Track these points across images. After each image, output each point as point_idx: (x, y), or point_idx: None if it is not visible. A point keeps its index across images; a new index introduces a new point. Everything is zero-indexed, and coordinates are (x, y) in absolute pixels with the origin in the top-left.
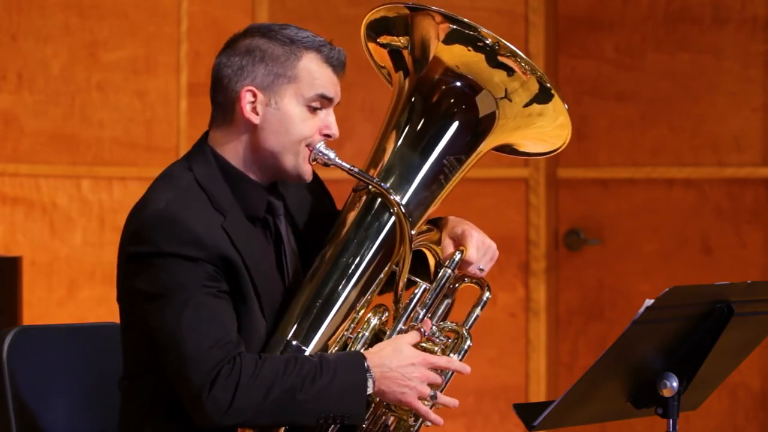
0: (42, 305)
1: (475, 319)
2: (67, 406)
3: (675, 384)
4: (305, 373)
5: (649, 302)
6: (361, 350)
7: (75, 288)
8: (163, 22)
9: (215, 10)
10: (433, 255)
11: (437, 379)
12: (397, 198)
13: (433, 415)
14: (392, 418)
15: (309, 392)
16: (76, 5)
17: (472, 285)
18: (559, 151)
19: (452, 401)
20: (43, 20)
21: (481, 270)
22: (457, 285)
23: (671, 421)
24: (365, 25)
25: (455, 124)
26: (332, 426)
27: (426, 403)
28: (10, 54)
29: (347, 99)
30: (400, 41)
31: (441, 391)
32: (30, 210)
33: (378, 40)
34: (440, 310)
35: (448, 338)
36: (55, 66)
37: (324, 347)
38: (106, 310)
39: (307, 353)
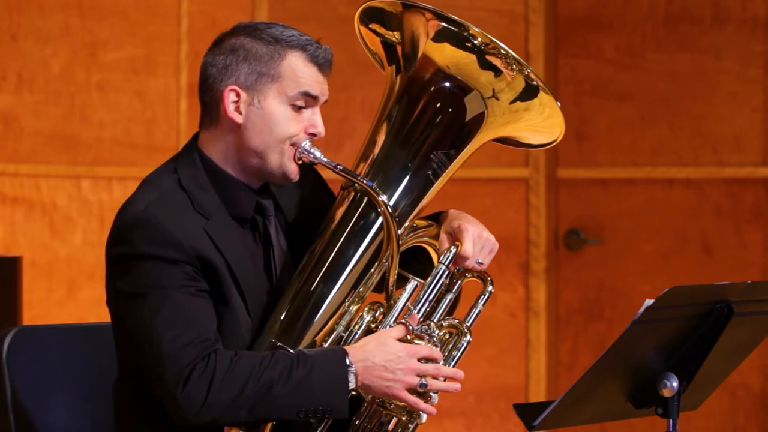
0: (42, 305)
1: (477, 314)
2: (67, 406)
3: (675, 384)
4: (281, 367)
5: (649, 302)
6: (348, 345)
7: (75, 288)
8: (163, 22)
9: (215, 10)
10: (435, 250)
11: (427, 369)
12: (384, 197)
13: (423, 405)
14: (388, 416)
15: (285, 387)
16: (76, 5)
17: (475, 279)
18: (558, 141)
19: (457, 372)
20: (43, 20)
21: (480, 263)
22: (458, 281)
23: (671, 421)
24: (360, 11)
25: (444, 123)
26: (323, 424)
27: (420, 393)
28: (10, 54)
29: (347, 99)
30: (394, 36)
31: (443, 380)
32: (30, 210)
33: (371, 26)
34: (442, 306)
35: (450, 333)
36: (55, 66)
37: (312, 343)
38: (106, 311)
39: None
